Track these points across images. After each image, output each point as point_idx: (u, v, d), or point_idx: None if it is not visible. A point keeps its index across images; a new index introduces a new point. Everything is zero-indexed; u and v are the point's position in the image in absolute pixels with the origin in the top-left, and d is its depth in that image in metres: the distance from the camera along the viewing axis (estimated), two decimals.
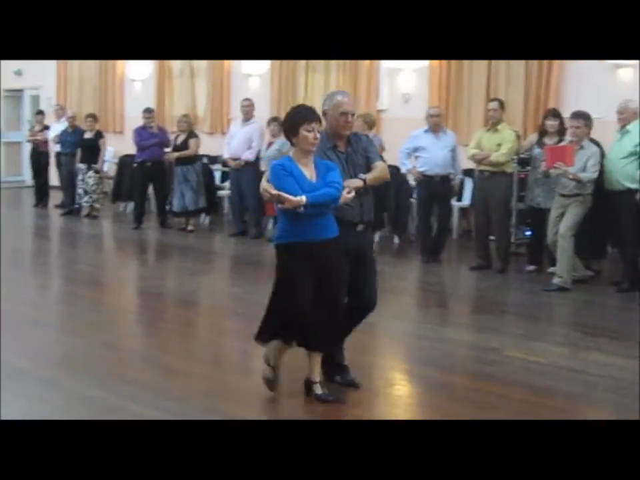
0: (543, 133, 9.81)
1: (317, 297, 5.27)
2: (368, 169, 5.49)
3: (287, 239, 5.31)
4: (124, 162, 14.92)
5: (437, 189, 10.51)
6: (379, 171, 5.52)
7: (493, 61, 12.19)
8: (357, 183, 5.30)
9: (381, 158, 5.80)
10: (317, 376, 5.51)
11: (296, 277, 5.26)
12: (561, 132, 9.58)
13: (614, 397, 5.89)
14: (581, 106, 9.47)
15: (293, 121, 5.19)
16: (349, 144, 5.54)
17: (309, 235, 5.17)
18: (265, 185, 5.24)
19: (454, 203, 11.58)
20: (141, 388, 5.84)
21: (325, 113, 5.44)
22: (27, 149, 17.47)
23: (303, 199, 4.97)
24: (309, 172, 5.20)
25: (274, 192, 5.04)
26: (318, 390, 5.45)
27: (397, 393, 6.17)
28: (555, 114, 9.84)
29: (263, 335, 5.53)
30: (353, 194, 5.22)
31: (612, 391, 5.97)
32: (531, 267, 10.08)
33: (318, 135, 5.14)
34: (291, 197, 4.98)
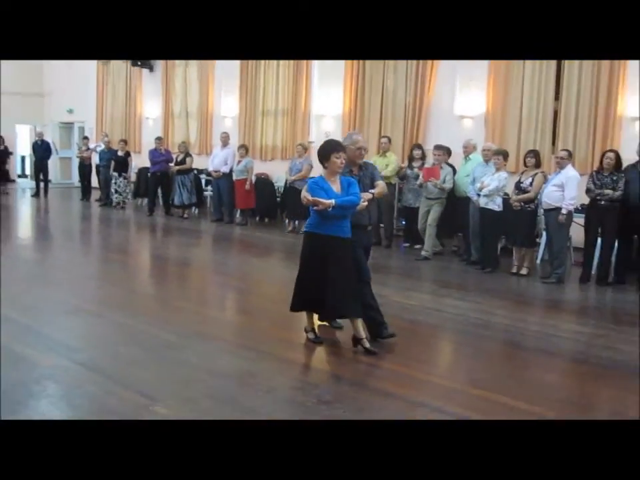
0: (410, 159, 10.04)
1: (331, 277, 5.00)
2: (372, 187, 5.31)
3: (311, 229, 5.12)
4: (141, 172, 14.81)
5: None
6: (380, 187, 5.34)
7: (383, 109, 12.39)
8: (368, 196, 5.12)
9: (382, 178, 5.73)
10: (361, 333, 5.10)
11: (309, 260, 5.12)
12: (423, 158, 9.85)
13: (460, 326, 6.04)
14: (439, 141, 9.70)
15: (326, 151, 4.99)
16: (360, 169, 5.35)
17: (328, 230, 4.98)
18: (304, 193, 5.05)
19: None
20: (154, 318, 5.89)
21: (346, 147, 5.18)
22: (75, 162, 17.35)
23: (332, 201, 4.82)
24: (335, 187, 4.98)
25: (311, 198, 4.90)
26: (365, 344, 5.06)
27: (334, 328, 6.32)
28: (419, 146, 10.11)
29: (294, 306, 5.33)
30: (366, 203, 5.07)
31: (459, 322, 6.13)
32: (406, 244, 10.29)
33: (344, 161, 4.97)
34: (323, 200, 4.83)
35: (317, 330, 5.38)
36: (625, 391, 4.61)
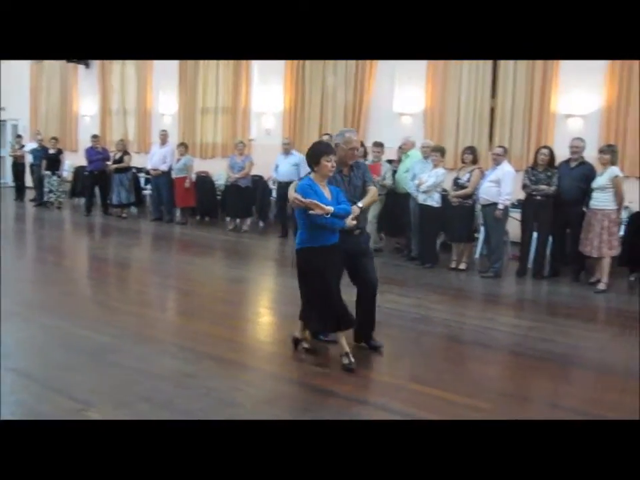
0: None
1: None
2: (364, 189, 4.99)
3: (309, 244, 4.70)
4: (78, 171, 14.41)
5: (286, 190, 10.61)
6: (370, 196, 4.96)
7: (324, 107, 12.40)
8: (356, 211, 4.74)
9: (372, 182, 5.17)
10: (345, 347, 4.77)
11: (323, 272, 4.73)
12: (364, 156, 9.85)
13: (400, 321, 6.06)
14: (379, 139, 9.74)
15: (316, 154, 4.61)
16: (352, 169, 4.98)
17: (323, 241, 4.67)
18: (294, 195, 4.61)
19: None
20: (89, 320, 5.71)
21: (336, 145, 4.88)
22: (9, 161, 16.60)
23: (330, 208, 4.48)
24: (326, 192, 4.64)
25: (307, 200, 4.47)
26: (350, 358, 4.71)
27: (264, 321, 6.29)
28: (361, 144, 10.10)
29: (310, 324, 5.00)
30: (354, 222, 4.74)
31: (398, 317, 6.15)
32: None
33: (335, 165, 4.63)
34: (323, 205, 4.44)
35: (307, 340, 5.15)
36: (560, 382, 4.72)
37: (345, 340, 4.79)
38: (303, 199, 4.50)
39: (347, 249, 4.87)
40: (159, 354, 4.94)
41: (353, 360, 4.67)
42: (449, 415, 3.96)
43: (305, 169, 10.37)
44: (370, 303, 5.16)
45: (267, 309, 6.84)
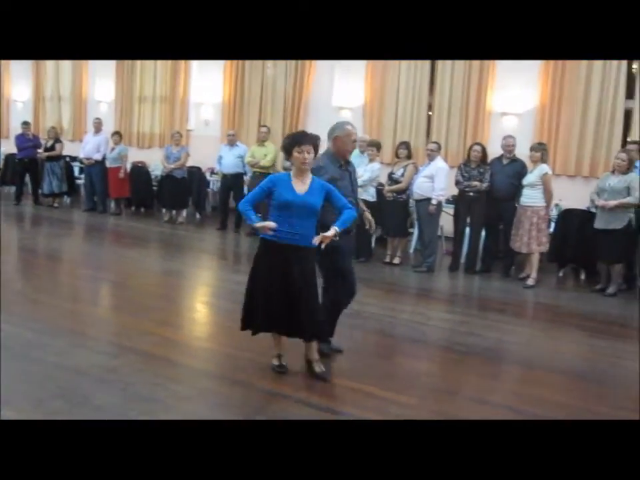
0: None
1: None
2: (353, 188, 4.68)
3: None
4: (9, 158, 13.89)
5: (231, 182, 10.52)
6: (349, 221, 4.25)
7: (263, 99, 12.28)
8: (330, 233, 4.09)
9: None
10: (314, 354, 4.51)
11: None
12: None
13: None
14: (318, 132, 9.63)
15: (286, 144, 4.27)
16: (348, 163, 4.71)
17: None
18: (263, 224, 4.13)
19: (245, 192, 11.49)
20: (12, 314, 5.46)
21: (336, 138, 4.61)
22: None
23: (272, 224, 4.09)
24: (302, 186, 4.18)
25: (258, 225, 4.12)
26: (316, 368, 4.47)
27: (195, 315, 6.17)
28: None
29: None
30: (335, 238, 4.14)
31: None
32: None
33: (307, 158, 4.15)
34: (264, 224, 4.10)
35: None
36: (486, 377, 4.76)
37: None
38: (257, 225, 4.14)
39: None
40: (81, 349, 4.78)
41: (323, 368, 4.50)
42: (374, 411, 3.95)
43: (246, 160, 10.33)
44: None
45: (199, 303, 6.71)
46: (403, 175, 8.21)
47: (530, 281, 7.66)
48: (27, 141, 12.34)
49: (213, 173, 11.99)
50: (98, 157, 11.73)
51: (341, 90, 11.48)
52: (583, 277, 8.28)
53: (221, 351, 5.00)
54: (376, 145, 8.48)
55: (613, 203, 7.18)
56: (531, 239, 7.61)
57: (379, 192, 8.51)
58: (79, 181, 13.21)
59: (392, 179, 8.31)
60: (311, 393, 4.18)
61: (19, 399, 3.81)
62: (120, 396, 3.94)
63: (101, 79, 14.36)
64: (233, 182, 10.54)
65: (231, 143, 10.58)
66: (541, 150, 7.63)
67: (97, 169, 11.75)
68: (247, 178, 10.71)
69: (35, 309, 5.74)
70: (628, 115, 9.54)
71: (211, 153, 11.54)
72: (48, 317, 5.49)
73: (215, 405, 3.97)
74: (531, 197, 7.59)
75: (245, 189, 10.89)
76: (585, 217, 8.04)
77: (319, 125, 11.05)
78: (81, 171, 12.98)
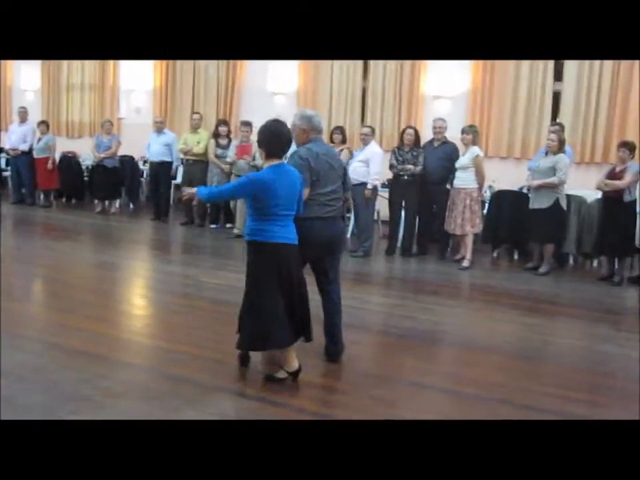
0: (216, 135, 9.68)
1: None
2: None
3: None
4: None
5: (158, 170, 10.26)
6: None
7: (195, 85, 12.04)
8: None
9: None
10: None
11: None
12: (228, 135, 9.65)
13: None
14: (252, 118, 9.53)
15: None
16: None
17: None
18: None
19: (173, 181, 11.27)
20: None
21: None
22: None
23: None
24: None
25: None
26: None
27: (126, 309, 5.97)
28: (226, 122, 9.90)
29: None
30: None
31: None
32: (214, 225, 9.90)
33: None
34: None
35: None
36: (421, 359, 4.74)
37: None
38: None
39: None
40: (5, 348, 4.53)
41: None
42: (309, 399, 3.88)
43: (175, 148, 10.11)
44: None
45: (132, 296, 6.51)
46: None
47: (465, 263, 7.72)
48: None
49: (145, 161, 11.68)
50: (24, 147, 11.27)
51: (275, 75, 11.34)
52: (516, 257, 8.40)
53: (154, 345, 4.84)
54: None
55: (536, 182, 7.32)
56: (465, 221, 7.66)
57: None
58: (5, 173, 12.69)
59: None
60: (245, 384, 4.09)
61: None
62: (46, 395, 3.76)
63: (26, 67, 13.82)
64: (158, 170, 10.29)
65: (159, 130, 10.33)
66: (472, 132, 7.68)
67: (23, 159, 11.29)
68: (175, 166, 10.48)
69: None
70: (557, 97, 9.71)
71: (143, 141, 11.22)
72: None
73: (146, 400, 3.82)
74: (463, 180, 7.64)
75: (179, 177, 10.68)
76: (517, 197, 8.16)
77: (253, 111, 10.95)
78: (7, 162, 12.47)
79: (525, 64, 9.63)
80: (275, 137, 3.93)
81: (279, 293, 3.93)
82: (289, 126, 4.16)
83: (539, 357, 4.92)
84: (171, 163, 10.37)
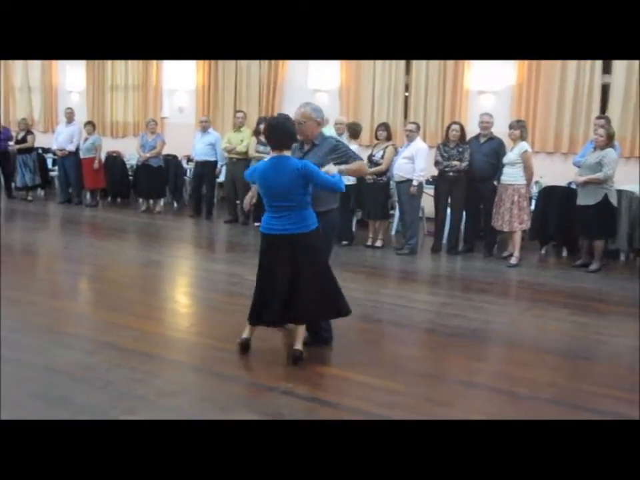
0: (257, 132, 9.45)
1: None
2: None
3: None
4: None
5: (202, 169, 10.35)
6: (357, 165, 4.62)
7: (238, 84, 12.09)
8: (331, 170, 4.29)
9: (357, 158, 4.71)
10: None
11: None
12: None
13: None
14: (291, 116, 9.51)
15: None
16: (314, 145, 4.54)
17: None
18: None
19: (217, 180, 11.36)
20: None
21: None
22: None
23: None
24: None
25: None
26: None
27: (173, 307, 6.02)
28: (266, 120, 9.87)
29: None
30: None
31: None
32: (258, 223, 9.94)
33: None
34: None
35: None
36: (472, 358, 4.68)
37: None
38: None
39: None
40: (57, 346, 4.62)
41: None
42: (362, 399, 3.86)
43: (220, 148, 10.16)
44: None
45: (178, 294, 6.57)
46: (382, 157, 8.10)
47: (513, 260, 7.61)
48: None
49: (189, 160, 11.79)
50: (71, 147, 11.48)
51: (317, 72, 11.31)
52: (565, 254, 8.25)
53: (203, 343, 4.87)
54: (353, 127, 8.36)
55: (581, 179, 7.17)
56: (513, 217, 7.54)
57: None
58: (52, 173, 12.94)
59: (372, 161, 8.19)
60: (296, 383, 4.07)
61: None
62: (100, 394, 3.81)
63: (71, 68, 14.06)
64: (203, 170, 10.38)
65: (204, 129, 10.41)
66: (519, 127, 7.56)
67: (70, 160, 11.49)
68: (219, 165, 10.55)
69: (9, 306, 5.56)
70: (605, 89, 9.48)
71: (186, 140, 11.34)
72: (22, 314, 5.32)
73: (198, 400, 3.85)
74: (511, 175, 7.52)
75: (222, 176, 10.76)
76: (566, 193, 8.00)
77: (294, 109, 10.92)
78: (54, 162, 12.71)
79: None
80: (277, 131, 4.24)
81: (268, 277, 4.35)
82: (299, 118, 4.45)
83: (590, 356, 4.81)
84: (215, 162, 10.46)
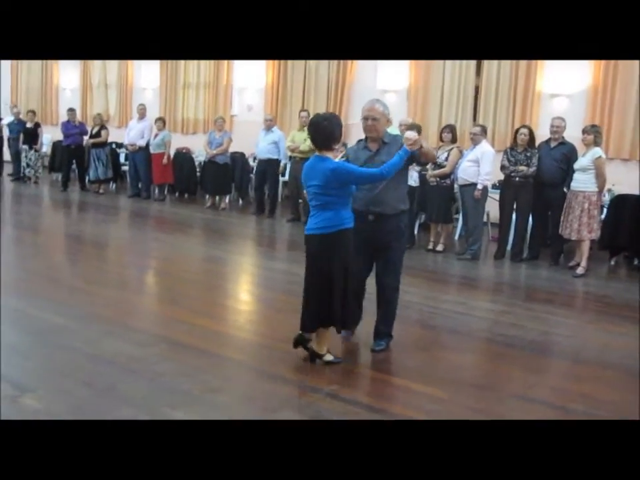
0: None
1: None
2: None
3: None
4: (56, 145, 14.05)
5: (265, 167, 10.42)
6: (431, 150, 4.53)
7: (306, 83, 12.11)
8: (411, 136, 4.12)
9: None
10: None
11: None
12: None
13: (370, 305, 5.67)
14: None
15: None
16: (384, 144, 4.38)
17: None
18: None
19: (280, 178, 11.43)
20: (47, 300, 5.45)
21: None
22: None
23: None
24: None
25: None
26: (328, 357, 4.34)
27: (232, 304, 6.06)
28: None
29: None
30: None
31: (368, 300, 5.86)
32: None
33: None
34: None
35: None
36: (525, 370, 4.53)
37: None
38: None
39: (363, 238, 4.39)
40: (111, 336, 4.72)
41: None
42: (405, 405, 3.79)
43: (283, 147, 10.21)
44: (380, 306, 4.70)
45: (237, 291, 6.62)
46: (446, 159, 7.96)
47: (580, 270, 7.32)
48: (72, 127, 12.53)
49: (255, 158, 11.88)
50: (142, 143, 11.76)
51: (385, 72, 11.22)
52: (637, 264, 7.89)
53: (255, 342, 4.88)
54: (416, 128, 8.19)
55: None
56: (582, 226, 7.27)
57: (422, 177, 8.26)
58: (124, 167, 13.29)
59: (436, 164, 8.04)
60: (342, 386, 4.02)
61: (42, 387, 3.76)
62: (147, 386, 3.86)
63: (146, 66, 14.40)
64: (266, 167, 10.43)
65: (268, 127, 10.45)
66: (593, 132, 7.26)
67: (140, 155, 11.78)
68: (283, 164, 10.56)
69: (71, 296, 5.72)
70: None
71: (254, 138, 11.38)
72: (82, 304, 5.46)
73: (240, 397, 3.85)
74: (582, 182, 7.25)
75: (287, 175, 10.79)
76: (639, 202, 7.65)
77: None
78: (127, 157, 13.05)
79: None
80: (314, 131, 4.18)
81: (306, 281, 4.35)
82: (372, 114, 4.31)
83: None
84: (278, 161, 10.49)
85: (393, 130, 8.83)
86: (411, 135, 4.14)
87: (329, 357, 4.34)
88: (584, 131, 7.38)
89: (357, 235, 4.30)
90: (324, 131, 4.14)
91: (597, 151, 7.23)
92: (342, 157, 4.43)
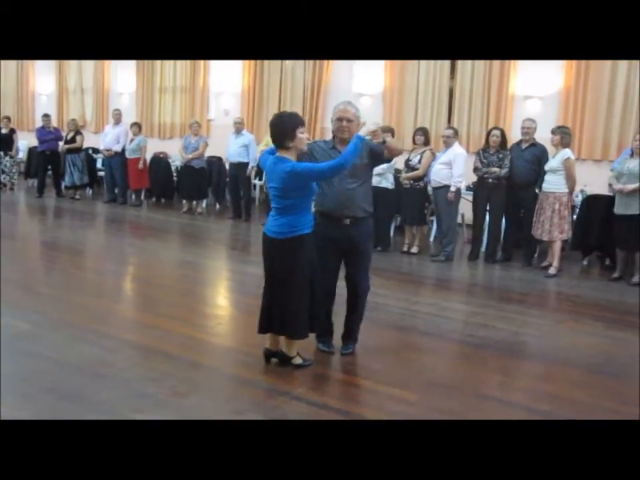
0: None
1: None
2: (365, 168, 4.40)
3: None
4: (32, 151, 13.95)
5: (236, 170, 10.37)
6: (396, 144, 4.53)
7: (282, 87, 12.13)
8: (370, 128, 4.03)
9: None
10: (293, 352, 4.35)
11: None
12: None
13: (340, 308, 5.82)
14: None
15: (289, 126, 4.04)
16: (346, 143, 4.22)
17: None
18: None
19: (255, 181, 11.43)
20: (14, 307, 5.37)
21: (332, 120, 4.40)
22: None
23: None
24: None
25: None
26: (297, 361, 4.34)
27: (203, 309, 6.05)
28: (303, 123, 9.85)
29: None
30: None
31: (339, 304, 5.90)
32: None
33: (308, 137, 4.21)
34: None
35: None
36: (493, 371, 4.56)
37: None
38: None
39: (336, 242, 4.38)
40: (77, 342, 4.70)
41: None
42: (370, 407, 3.81)
43: (254, 150, 10.18)
44: (351, 309, 4.71)
45: (210, 296, 6.59)
46: (419, 162, 8.00)
47: (552, 270, 7.39)
48: (47, 133, 12.45)
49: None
50: (117, 148, 11.72)
51: (361, 76, 11.28)
52: (608, 264, 7.97)
53: (225, 346, 4.89)
54: (390, 131, 8.24)
55: (630, 187, 6.89)
56: (553, 226, 7.34)
57: (397, 179, 8.30)
58: (101, 173, 13.22)
59: (409, 166, 8.09)
60: (310, 389, 4.04)
61: (6, 394, 3.73)
62: (112, 391, 3.84)
63: (122, 71, 14.37)
64: (237, 171, 10.40)
65: (237, 130, 10.41)
66: (560, 133, 7.34)
67: (116, 160, 11.73)
68: (250, 167, 10.47)
69: (39, 302, 5.68)
70: None
71: None
72: (50, 310, 5.43)
73: (206, 401, 3.85)
74: (552, 183, 7.32)
75: (264, 178, 10.77)
76: (610, 203, 7.70)
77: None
78: (103, 162, 12.98)
79: (623, 61, 9.12)
80: (271, 129, 4.11)
81: (266, 281, 4.34)
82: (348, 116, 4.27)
83: (622, 373, 4.59)
84: (247, 164, 10.39)
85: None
86: (372, 126, 4.08)
87: (297, 360, 4.34)
88: (552, 132, 7.47)
89: (329, 240, 4.31)
90: (276, 128, 4.08)
91: (567, 152, 7.31)
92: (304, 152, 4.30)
